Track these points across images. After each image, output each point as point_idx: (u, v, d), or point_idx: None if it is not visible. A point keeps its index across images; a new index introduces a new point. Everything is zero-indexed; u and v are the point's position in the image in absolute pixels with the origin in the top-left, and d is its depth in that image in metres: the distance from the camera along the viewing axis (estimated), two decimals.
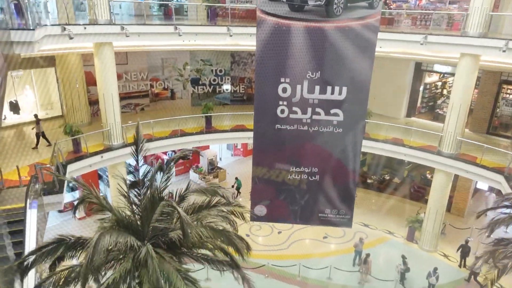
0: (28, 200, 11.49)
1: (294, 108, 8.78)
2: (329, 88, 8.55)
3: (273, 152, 9.27)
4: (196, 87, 23.92)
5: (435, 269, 15.92)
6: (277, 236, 20.02)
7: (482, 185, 21.92)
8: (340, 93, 8.55)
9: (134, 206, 7.48)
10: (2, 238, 10.54)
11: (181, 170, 26.44)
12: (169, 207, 7.10)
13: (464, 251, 17.48)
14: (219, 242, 7.94)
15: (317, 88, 8.58)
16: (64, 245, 6.78)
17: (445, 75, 25.35)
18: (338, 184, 9.53)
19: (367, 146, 18.66)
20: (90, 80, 20.54)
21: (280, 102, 8.76)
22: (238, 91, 24.70)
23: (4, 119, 19.34)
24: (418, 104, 23.76)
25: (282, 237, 19.89)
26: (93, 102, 21.05)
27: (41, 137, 16.23)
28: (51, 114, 20.86)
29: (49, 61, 19.61)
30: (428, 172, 24.64)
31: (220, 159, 28.42)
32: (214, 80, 24.10)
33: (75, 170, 15.37)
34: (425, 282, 16.17)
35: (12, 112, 19.81)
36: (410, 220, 19.60)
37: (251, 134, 19.69)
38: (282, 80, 8.57)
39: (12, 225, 11.00)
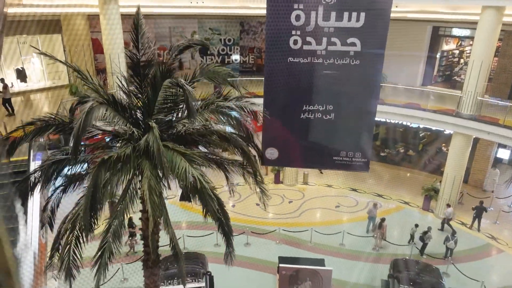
0: (31, 152, 11.38)
1: (308, 38, 8.18)
2: (345, 14, 7.92)
3: (285, 89, 8.70)
4: (204, 57, 23.39)
5: (453, 233, 15.29)
6: (288, 205, 19.55)
7: (503, 154, 21.07)
8: (357, 20, 7.92)
9: (134, 97, 6.97)
10: (7, 187, 10.46)
11: None
12: (174, 87, 6.61)
13: (479, 212, 16.80)
14: (228, 134, 7.36)
15: (333, 14, 7.96)
16: (55, 126, 6.43)
17: (463, 43, 24.37)
18: (354, 123, 8.95)
19: (383, 112, 17.95)
20: (97, 48, 20.20)
21: (293, 32, 8.16)
22: (247, 62, 24.10)
23: (11, 86, 19.15)
24: (435, 73, 22.90)
25: (293, 206, 19.42)
26: (101, 71, 20.71)
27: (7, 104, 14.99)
28: (58, 83, 20.61)
29: (55, 27, 19.29)
30: (443, 144, 23.86)
31: None
32: (223, 50, 23.53)
33: None
34: (442, 248, 15.54)
35: (19, 80, 19.61)
36: (426, 188, 18.92)
37: (261, 100, 19.21)
38: (295, 6, 7.97)
39: (16, 175, 10.91)
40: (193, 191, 6.00)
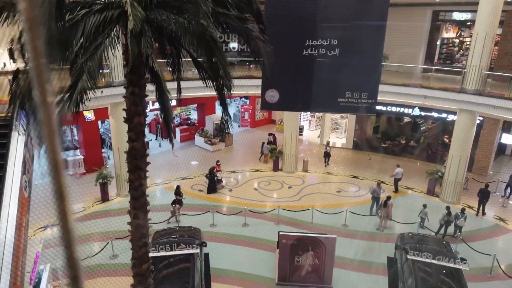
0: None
1: None
2: None
3: (286, 22, 8.16)
4: None
5: (463, 210, 14.55)
6: (288, 190, 18.80)
7: (507, 139, 20.56)
8: None
9: None
10: None
11: (186, 136, 25.48)
12: None
13: (484, 195, 16.10)
14: None
15: None
16: None
17: (462, 33, 24.21)
18: (360, 60, 8.40)
19: (385, 92, 17.41)
20: None
21: None
22: (245, 50, 23.70)
23: (4, 66, 18.65)
24: (435, 60, 22.58)
25: (293, 191, 18.67)
26: None
27: None
28: None
29: None
30: (446, 136, 23.40)
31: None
32: (220, 37, 23.16)
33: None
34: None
35: (11, 60, 19.09)
36: (431, 171, 18.26)
37: (259, 81, 18.69)
38: None
39: None
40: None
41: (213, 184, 18.18)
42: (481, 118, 19.91)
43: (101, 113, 19.54)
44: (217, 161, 19.18)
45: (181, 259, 10.72)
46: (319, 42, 8.30)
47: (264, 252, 13.68)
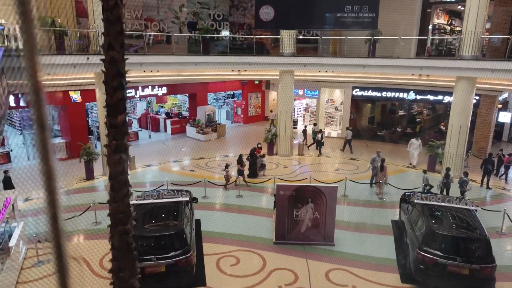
0: None
1: None
2: None
3: None
4: (193, 32, 22.70)
5: (465, 173, 13.87)
6: (283, 169, 18.00)
7: (504, 118, 20.22)
8: None
9: None
10: None
11: (177, 128, 24.74)
12: None
13: (487, 166, 15.50)
14: None
15: None
16: None
17: (453, 22, 24.38)
18: None
19: (380, 65, 17.17)
20: (81, 12, 19.38)
21: None
22: (237, 39, 23.49)
23: None
24: (428, 45, 22.50)
25: (289, 170, 17.88)
26: (83, 35, 19.71)
27: None
28: None
29: None
30: (442, 124, 23.09)
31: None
32: (212, 25, 22.96)
33: (57, 64, 13.79)
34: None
35: None
36: (430, 147, 17.69)
37: (251, 59, 18.22)
38: None
39: None
40: None
41: (255, 167, 16.66)
42: (477, 98, 19.60)
43: (88, 95, 18.83)
44: (258, 144, 17.99)
45: (169, 206, 9.80)
46: None
47: (261, 218, 12.77)
